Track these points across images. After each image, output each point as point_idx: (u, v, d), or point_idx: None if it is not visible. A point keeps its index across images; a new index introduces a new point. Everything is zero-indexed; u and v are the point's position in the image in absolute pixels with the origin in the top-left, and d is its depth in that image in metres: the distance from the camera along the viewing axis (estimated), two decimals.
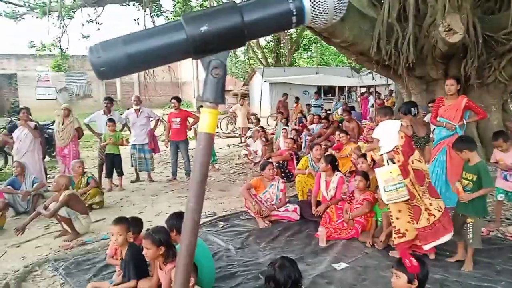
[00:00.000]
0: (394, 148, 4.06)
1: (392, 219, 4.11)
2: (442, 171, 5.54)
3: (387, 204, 4.12)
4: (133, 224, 3.65)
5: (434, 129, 5.89)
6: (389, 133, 4.13)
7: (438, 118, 5.67)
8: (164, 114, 9.35)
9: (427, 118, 7.36)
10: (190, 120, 8.15)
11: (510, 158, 4.62)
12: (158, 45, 0.87)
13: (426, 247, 3.96)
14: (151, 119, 8.29)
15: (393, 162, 4.05)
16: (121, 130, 8.05)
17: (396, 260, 2.69)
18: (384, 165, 4.12)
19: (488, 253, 4.06)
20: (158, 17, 14.58)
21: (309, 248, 4.51)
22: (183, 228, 0.94)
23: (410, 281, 2.56)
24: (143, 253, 3.08)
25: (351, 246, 4.52)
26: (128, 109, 9.09)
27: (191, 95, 27.87)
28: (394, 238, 4.09)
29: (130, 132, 8.14)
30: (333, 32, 7.50)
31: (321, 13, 0.90)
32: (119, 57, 0.86)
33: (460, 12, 6.37)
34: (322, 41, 11.11)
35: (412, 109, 4.45)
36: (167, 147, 8.27)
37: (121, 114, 8.57)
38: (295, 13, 0.88)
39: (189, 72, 27.95)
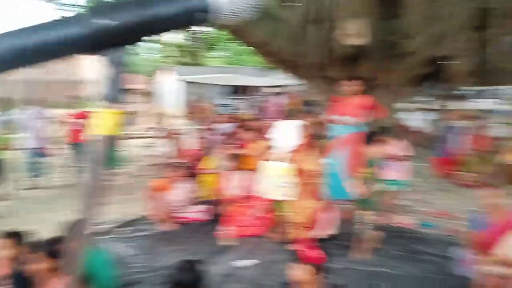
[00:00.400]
0: (294, 147, 4.22)
1: (292, 214, 4.26)
2: (340, 166, 5.88)
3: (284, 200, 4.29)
4: (21, 236, 3.36)
5: (334, 126, 6.22)
6: (289, 133, 4.28)
7: (338, 116, 6.00)
8: (61, 115, 8.70)
9: (330, 117, 7.75)
10: (90, 120, 7.70)
11: (395, 150, 5.07)
12: (52, 38, 0.79)
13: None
14: (45, 120, 7.67)
15: (289, 162, 4.22)
16: (12, 133, 7.35)
17: (298, 252, 2.78)
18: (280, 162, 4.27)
19: (382, 241, 4.38)
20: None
21: (216, 248, 4.52)
22: (74, 238, 0.89)
23: (312, 273, 2.66)
24: (31, 266, 2.85)
25: (259, 242, 4.61)
26: (21, 109, 8.33)
27: (90, 94, 26.39)
28: (297, 231, 4.25)
29: (23, 134, 7.47)
30: (244, 32, 7.58)
31: (229, 11, 0.88)
32: (6, 51, 0.78)
33: (362, 17, 6.79)
34: (236, 41, 11.24)
35: (313, 108, 4.67)
36: (66, 150, 7.75)
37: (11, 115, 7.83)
38: (201, 9, 0.86)
39: (89, 70, 26.47)
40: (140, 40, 0.89)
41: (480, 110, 11.39)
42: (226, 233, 4.73)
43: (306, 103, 5.28)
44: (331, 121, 6.14)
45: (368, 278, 3.65)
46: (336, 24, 7.21)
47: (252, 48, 8.71)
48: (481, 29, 7.11)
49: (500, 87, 16.15)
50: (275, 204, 4.67)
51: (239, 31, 7.66)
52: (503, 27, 6.19)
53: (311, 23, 7.49)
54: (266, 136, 4.68)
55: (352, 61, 7.78)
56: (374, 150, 4.08)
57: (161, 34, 0.92)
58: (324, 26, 7.45)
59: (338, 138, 5.96)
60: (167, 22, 0.88)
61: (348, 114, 5.88)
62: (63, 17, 0.88)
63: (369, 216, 4.00)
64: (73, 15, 0.85)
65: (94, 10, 0.83)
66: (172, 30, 0.93)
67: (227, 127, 9.98)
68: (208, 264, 4.05)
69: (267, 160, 4.80)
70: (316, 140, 4.55)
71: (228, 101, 15.63)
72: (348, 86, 5.90)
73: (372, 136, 4.25)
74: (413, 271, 3.75)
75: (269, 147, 4.61)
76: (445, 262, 3.85)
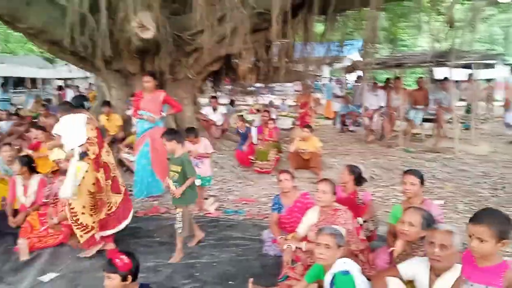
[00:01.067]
0: (87, 140, 3.96)
1: (76, 215, 3.99)
2: (148, 162, 5.81)
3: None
4: None
5: (138, 121, 6.10)
6: (75, 127, 4.00)
7: (139, 112, 5.90)
8: None
9: (133, 112, 7.53)
10: None
11: (199, 149, 5.29)
12: None
13: (100, 234, 4.09)
14: None
15: (86, 155, 3.95)
16: None
17: (106, 261, 2.62)
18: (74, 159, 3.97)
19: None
20: None
21: (8, 265, 3.90)
22: None
23: (124, 279, 2.55)
24: None
25: (60, 253, 4.16)
26: None
27: None
28: (81, 236, 4.00)
29: None
30: (16, 17, 6.58)
31: None
32: None
33: (150, 10, 6.71)
34: (5, 26, 9.62)
35: (85, 102, 4.45)
36: None
37: None
38: None
39: None
40: None
41: (266, 104, 12.81)
42: (22, 246, 4.09)
43: (73, 98, 4.87)
44: (136, 117, 6.01)
45: (184, 270, 3.70)
46: (123, 16, 6.97)
47: (28, 35, 7.66)
48: (258, 32, 8.01)
49: (280, 83, 18.58)
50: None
51: (8, 16, 6.61)
52: (276, 31, 7.06)
53: (94, 12, 7.05)
54: (53, 132, 4.24)
55: (143, 54, 7.70)
56: (180, 147, 4.11)
57: None
58: (110, 17, 7.10)
59: (144, 134, 5.88)
60: None
61: (149, 109, 5.85)
62: None
63: (184, 215, 4.00)
64: None
65: None
66: None
67: (9, 125, 8.66)
68: (8, 285, 3.48)
69: (64, 159, 4.34)
70: (104, 134, 4.38)
71: (5, 95, 13.48)
72: (145, 81, 5.87)
73: (175, 132, 4.28)
74: (227, 256, 3.97)
75: (60, 145, 4.17)
76: (255, 244, 4.20)
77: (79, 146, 3.94)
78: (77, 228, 3.98)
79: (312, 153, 6.95)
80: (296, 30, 8.34)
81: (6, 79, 18.24)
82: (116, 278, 2.53)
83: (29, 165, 4.76)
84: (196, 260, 3.90)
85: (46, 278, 3.63)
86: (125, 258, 2.58)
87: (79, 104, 4.29)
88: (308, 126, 7.35)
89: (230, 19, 7.16)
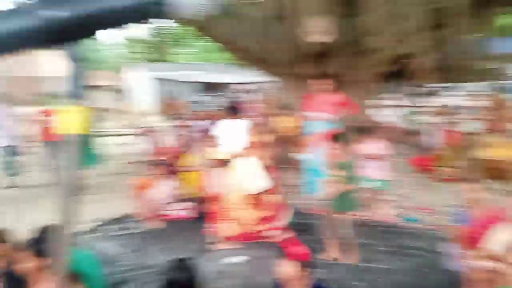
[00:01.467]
0: (250, 143, 4.26)
1: (236, 210, 4.33)
2: (318, 162, 5.94)
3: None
4: (4, 234, 3.22)
5: (311, 123, 6.29)
6: (239, 131, 4.33)
7: (314, 113, 6.08)
8: (31, 112, 8.38)
9: (305, 114, 7.82)
10: (58, 118, 7.49)
11: (373, 150, 5.20)
12: (8, 30, 0.74)
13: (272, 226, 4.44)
14: (15, 117, 7.49)
15: (247, 156, 4.28)
16: None
17: (284, 250, 2.79)
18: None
19: (367, 236, 4.45)
20: None
21: (198, 246, 4.50)
22: (54, 240, 0.86)
23: (299, 269, 2.67)
24: (20, 265, 2.74)
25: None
26: None
27: (54, 91, 25.47)
28: (233, 228, 4.38)
29: None
30: (210, 28, 7.48)
31: (185, 5, 0.85)
32: None
33: (325, 14, 6.85)
34: (203, 37, 11.08)
35: (237, 110, 4.83)
36: (39, 148, 7.55)
37: None
38: (156, 2, 0.83)
39: (51, 66, 25.53)
40: (93, 34, 0.85)
41: (449, 106, 11.71)
42: (212, 230, 4.69)
43: (230, 106, 5.27)
44: (307, 118, 6.22)
45: (358, 273, 3.70)
46: (300, 21, 7.24)
47: (220, 44, 8.61)
48: (438, 28, 7.35)
49: (463, 83, 16.75)
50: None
51: (204, 28, 7.55)
52: (458, 27, 6.42)
53: (275, 20, 7.46)
54: (212, 134, 4.73)
55: (320, 58, 7.85)
56: (352, 149, 4.11)
57: (116, 28, 0.86)
58: (288, 23, 7.44)
59: (314, 135, 6.03)
60: (120, 14, 0.84)
61: (322, 111, 5.97)
62: (18, 7, 0.81)
63: (347, 214, 3.99)
64: (21, 6, 0.79)
65: (44, 1, 0.78)
66: (127, 23, 0.89)
67: (205, 124, 9.92)
68: (199, 262, 4.04)
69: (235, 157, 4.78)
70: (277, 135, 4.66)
71: (200, 98, 15.47)
72: (320, 84, 6.01)
73: (349, 134, 4.28)
74: (402, 265, 3.83)
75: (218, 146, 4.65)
76: (433, 256, 3.96)
77: (240, 149, 4.32)
78: (232, 221, 4.38)
79: (508, 162, 6.12)
80: (480, 24, 7.44)
81: (205, 84, 20.98)
82: (292, 267, 2.67)
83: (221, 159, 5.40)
84: (368, 265, 3.87)
85: (233, 260, 4.08)
86: (301, 249, 2.71)
87: (236, 110, 4.72)
88: (502, 131, 6.49)
89: (407, 17, 6.81)
